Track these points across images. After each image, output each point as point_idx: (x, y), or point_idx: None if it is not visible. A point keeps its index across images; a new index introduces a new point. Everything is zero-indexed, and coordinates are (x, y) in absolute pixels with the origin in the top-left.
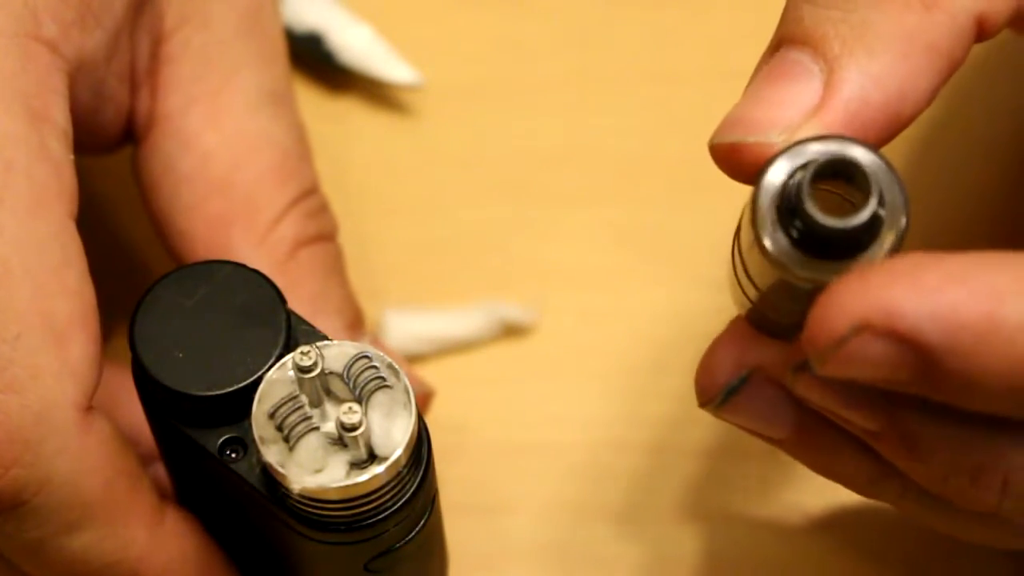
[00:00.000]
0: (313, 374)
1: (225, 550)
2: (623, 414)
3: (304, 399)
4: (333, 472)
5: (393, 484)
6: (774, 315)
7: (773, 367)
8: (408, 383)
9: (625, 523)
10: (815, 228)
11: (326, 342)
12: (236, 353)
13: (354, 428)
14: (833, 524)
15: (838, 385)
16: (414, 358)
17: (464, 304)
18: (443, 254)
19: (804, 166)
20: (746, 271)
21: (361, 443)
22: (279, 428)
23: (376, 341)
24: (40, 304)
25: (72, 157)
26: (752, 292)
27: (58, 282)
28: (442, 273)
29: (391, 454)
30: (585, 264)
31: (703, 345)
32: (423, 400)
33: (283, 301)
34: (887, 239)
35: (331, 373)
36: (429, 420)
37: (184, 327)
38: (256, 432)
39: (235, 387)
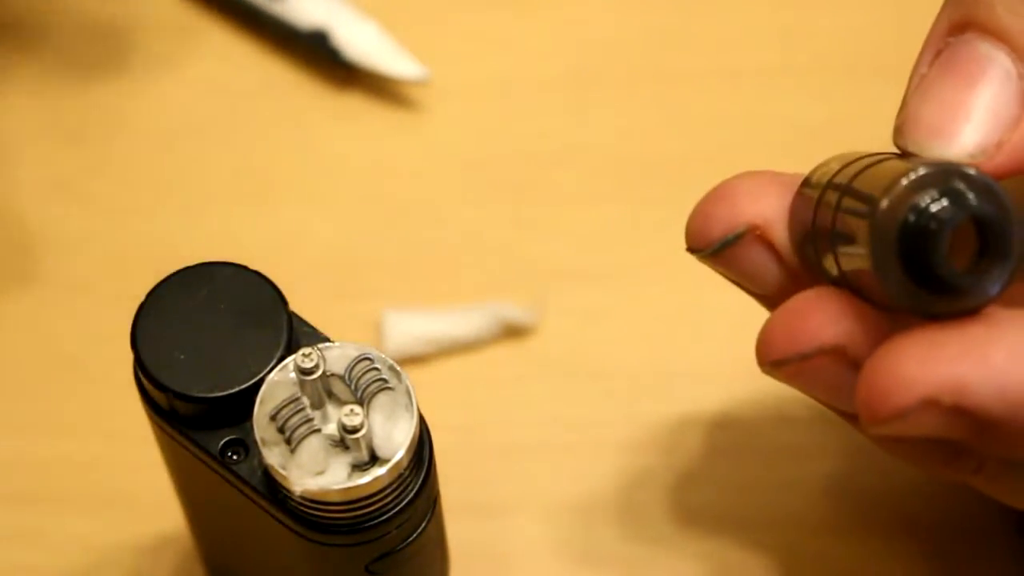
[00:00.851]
0: (315, 376)
1: (226, 551)
2: (624, 414)
3: (306, 401)
4: (335, 474)
5: (395, 486)
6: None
7: (769, 232)
8: (410, 384)
9: (626, 524)
10: (945, 280)
11: (328, 344)
12: (238, 355)
13: (356, 430)
14: (833, 524)
15: (821, 381)
16: (414, 359)
17: (464, 304)
18: (443, 254)
19: (943, 201)
20: (833, 242)
21: (363, 445)
22: (280, 430)
23: None
24: None
25: None
26: (822, 237)
27: None
28: (442, 273)
29: (393, 456)
30: (585, 264)
31: (704, 345)
32: None
33: (284, 302)
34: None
35: (333, 375)
36: (430, 421)
37: (186, 328)
38: (257, 434)
39: (237, 389)
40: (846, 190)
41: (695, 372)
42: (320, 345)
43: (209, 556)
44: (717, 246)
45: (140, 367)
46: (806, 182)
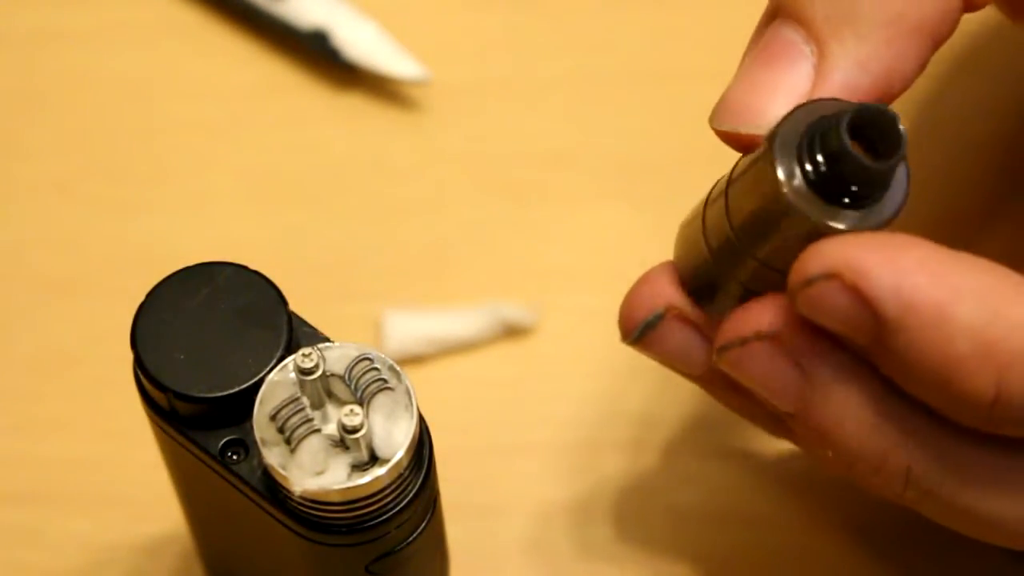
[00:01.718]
0: (315, 376)
1: (226, 551)
2: (624, 415)
3: (305, 401)
4: (334, 474)
5: (395, 486)
6: (720, 271)
7: (686, 310)
8: (410, 385)
9: (625, 524)
10: (847, 166)
11: (327, 344)
12: (238, 355)
13: (355, 430)
14: (829, 524)
15: (757, 368)
16: (414, 359)
17: (465, 304)
18: (444, 254)
19: (830, 117)
20: (728, 218)
21: (363, 445)
22: (280, 430)
23: None
24: None
25: None
26: (717, 241)
27: None
28: (442, 273)
29: (393, 456)
30: (586, 264)
31: None
32: None
33: (284, 303)
34: (889, 205)
35: (332, 375)
36: (430, 421)
37: (185, 328)
38: (257, 434)
39: (236, 389)
40: (729, 183)
41: None
42: (320, 345)
43: (209, 556)
44: (639, 330)
45: (140, 367)
46: (682, 226)
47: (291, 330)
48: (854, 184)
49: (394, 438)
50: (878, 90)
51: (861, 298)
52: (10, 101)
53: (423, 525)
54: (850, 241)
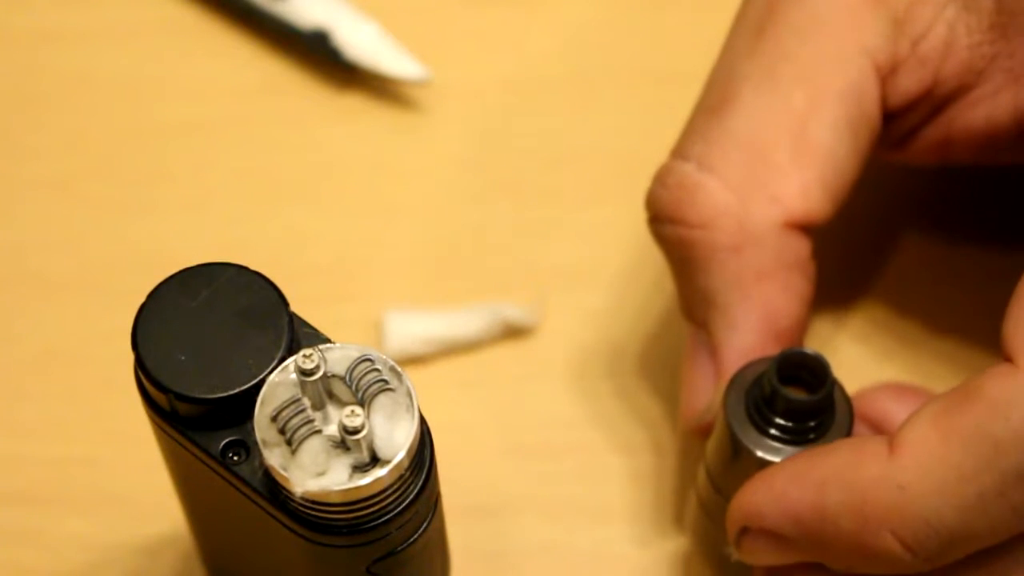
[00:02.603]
0: (315, 377)
1: (226, 552)
2: (625, 415)
3: (306, 402)
4: (335, 475)
5: (395, 487)
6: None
7: None
8: (411, 385)
9: (627, 524)
10: (780, 405)
11: (328, 345)
12: (239, 356)
13: (356, 431)
14: None
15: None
16: (415, 359)
17: (465, 305)
18: (444, 254)
19: (766, 368)
20: (707, 470)
21: (363, 446)
22: (281, 431)
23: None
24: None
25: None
26: (706, 495)
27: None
28: (443, 273)
29: (393, 457)
30: (586, 264)
31: None
32: None
33: (285, 303)
34: (836, 436)
35: (333, 376)
36: (431, 422)
37: (187, 329)
38: (258, 435)
39: (237, 390)
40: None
41: None
42: (321, 346)
43: (209, 557)
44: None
45: (141, 368)
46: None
47: (292, 331)
48: (793, 420)
49: (395, 439)
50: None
51: (771, 535)
52: (10, 101)
53: (424, 526)
54: (745, 490)
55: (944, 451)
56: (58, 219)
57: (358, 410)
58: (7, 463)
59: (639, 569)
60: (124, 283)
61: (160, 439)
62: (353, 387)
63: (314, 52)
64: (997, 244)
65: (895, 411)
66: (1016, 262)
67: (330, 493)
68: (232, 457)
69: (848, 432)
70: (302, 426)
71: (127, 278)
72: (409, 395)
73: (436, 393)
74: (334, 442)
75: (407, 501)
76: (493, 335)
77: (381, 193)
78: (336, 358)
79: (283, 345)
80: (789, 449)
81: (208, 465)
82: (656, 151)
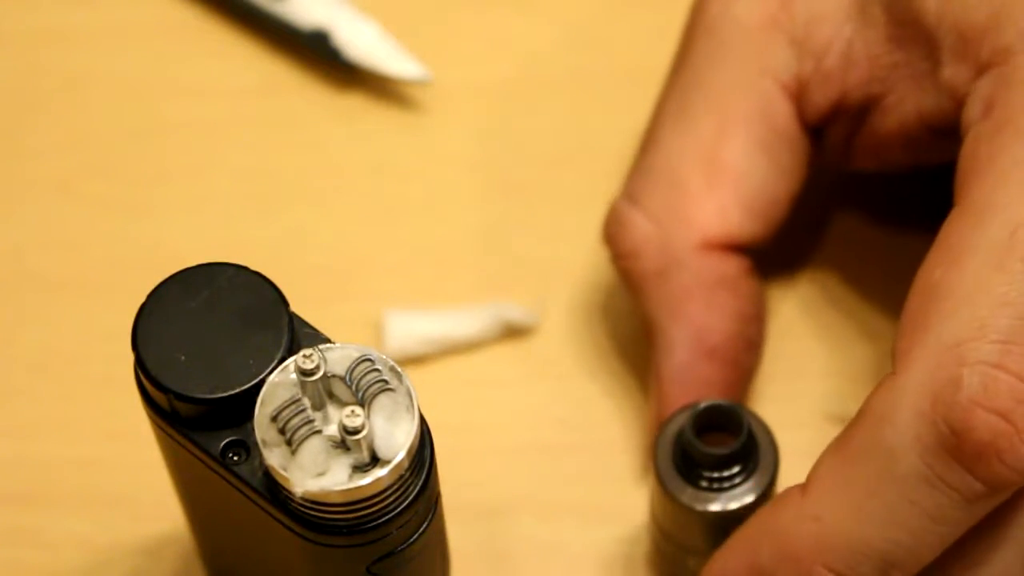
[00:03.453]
0: (315, 377)
1: (226, 552)
2: (624, 415)
3: (306, 402)
4: (335, 475)
5: (396, 487)
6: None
7: None
8: (411, 385)
9: (627, 524)
10: (696, 454)
11: (328, 345)
12: (239, 356)
13: (357, 431)
14: None
15: None
16: (415, 359)
17: (465, 305)
18: (444, 254)
19: (685, 421)
20: (652, 514)
21: (364, 446)
22: (281, 431)
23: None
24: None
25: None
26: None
27: None
28: (443, 273)
29: (394, 457)
30: (586, 264)
31: None
32: None
33: (285, 304)
34: (761, 480)
35: (333, 376)
36: (431, 422)
37: (187, 329)
38: (258, 435)
39: (237, 390)
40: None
41: None
42: (321, 346)
43: (210, 557)
44: None
45: (141, 368)
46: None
47: (292, 331)
48: (715, 470)
49: (395, 439)
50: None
51: None
52: (10, 101)
53: (424, 526)
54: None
55: (846, 471)
56: (58, 219)
57: (358, 410)
58: (7, 463)
59: (638, 569)
60: (124, 283)
61: (160, 439)
62: (353, 387)
63: (314, 52)
64: None
65: None
66: None
67: (330, 493)
68: (232, 457)
69: (775, 472)
70: (302, 426)
71: (127, 278)
72: (409, 395)
73: (436, 393)
74: (334, 442)
75: (407, 501)
76: (493, 335)
77: (381, 193)
78: (336, 358)
79: (283, 345)
80: (716, 496)
81: (208, 465)
82: None
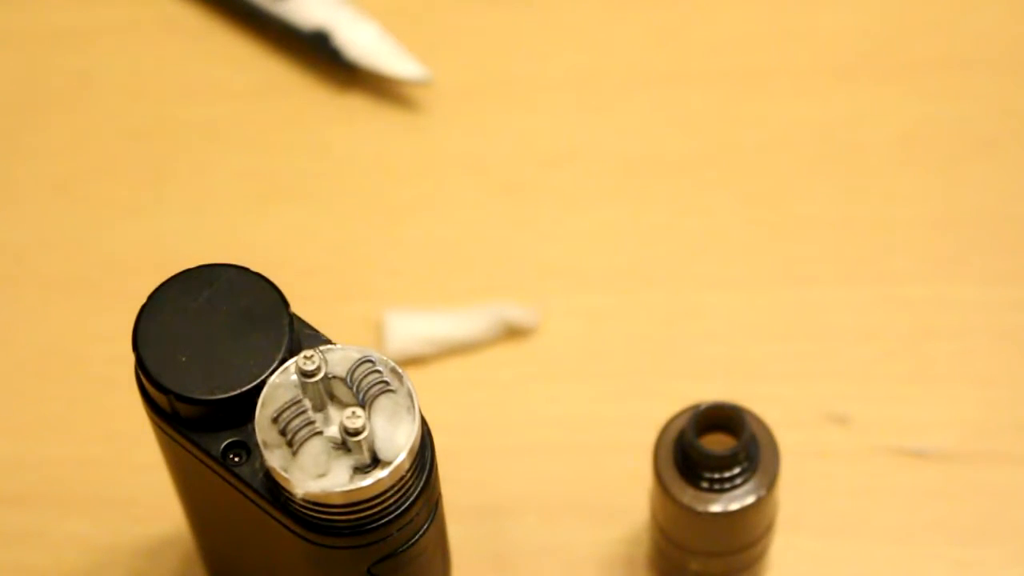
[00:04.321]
0: (316, 378)
1: (227, 553)
2: (625, 415)
3: (307, 403)
4: (336, 477)
5: (396, 488)
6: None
7: None
8: (411, 387)
9: (628, 524)
10: (696, 455)
11: (329, 346)
12: (239, 357)
13: (357, 432)
14: (837, 526)
15: None
16: (416, 359)
17: (466, 305)
18: (444, 254)
19: (681, 430)
20: (652, 514)
21: (364, 447)
22: (282, 432)
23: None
24: None
25: None
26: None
27: None
28: (443, 274)
29: (394, 458)
30: (586, 265)
31: (703, 345)
32: None
33: (286, 304)
34: (762, 481)
35: (334, 377)
36: (432, 422)
37: (187, 330)
38: (259, 436)
39: (238, 391)
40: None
41: (695, 372)
42: (322, 347)
43: (210, 558)
44: None
45: (141, 369)
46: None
47: (292, 332)
48: (715, 471)
49: (396, 440)
50: None
51: None
52: (11, 101)
53: (425, 527)
54: None
55: None
56: (58, 219)
57: (359, 411)
58: (7, 463)
59: (638, 570)
60: (124, 283)
61: (160, 440)
62: (354, 388)
63: (315, 52)
64: None
65: None
66: None
67: (331, 495)
68: (233, 458)
69: (776, 473)
70: (303, 427)
71: (127, 278)
72: (410, 396)
73: (437, 393)
74: (335, 443)
75: (408, 502)
76: (494, 335)
77: (381, 193)
78: (337, 359)
79: (284, 346)
80: (717, 497)
81: (209, 466)
82: (656, 151)
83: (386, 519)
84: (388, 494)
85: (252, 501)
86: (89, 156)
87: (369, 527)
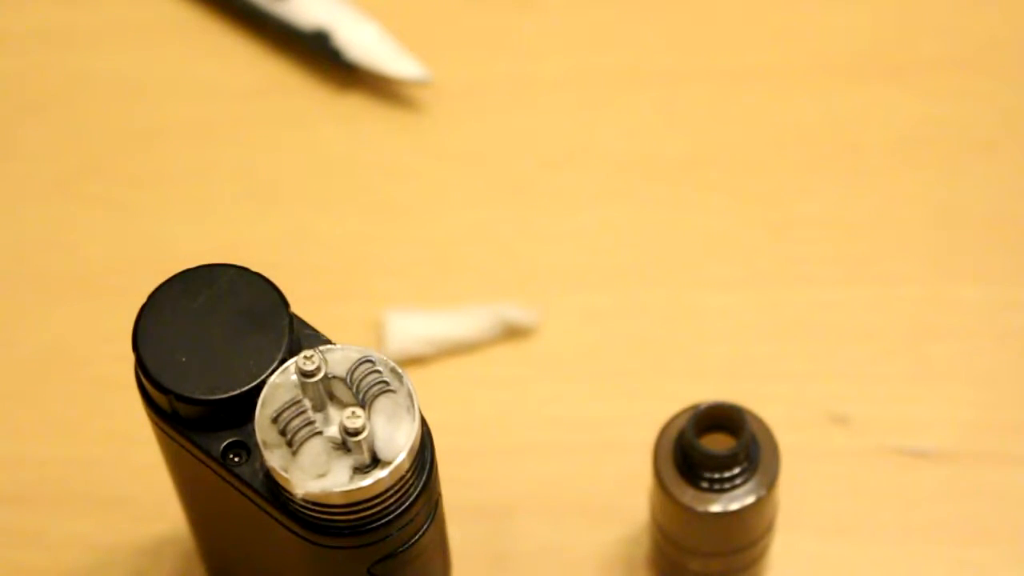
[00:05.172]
0: (316, 378)
1: (227, 553)
2: (625, 415)
3: (307, 403)
4: (336, 477)
5: (396, 488)
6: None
7: None
8: (411, 387)
9: (628, 524)
10: (696, 455)
11: (329, 346)
12: (239, 357)
13: (357, 432)
14: (835, 525)
15: None
16: (416, 359)
17: (466, 305)
18: (445, 254)
19: (681, 430)
20: (651, 513)
21: (364, 447)
22: (282, 432)
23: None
24: None
25: None
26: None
27: None
28: (444, 274)
29: (394, 458)
30: (586, 264)
31: (703, 345)
32: None
33: (286, 304)
34: (762, 481)
35: (334, 377)
36: (432, 422)
37: (187, 330)
38: (259, 436)
39: (238, 391)
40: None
41: (695, 372)
42: (322, 347)
43: (210, 558)
44: None
45: (141, 369)
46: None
47: (292, 332)
48: (715, 470)
49: (396, 440)
50: None
51: None
52: (10, 101)
53: (425, 527)
54: None
55: None
56: (58, 219)
57: (359, 411)
58: (7, 463)
59: (638, 570)
60: (124, 283)
61: (160, 440)
62: (354, 388)
63: (315, 52)
64: None
65: None
66: None
67: (331, 495)
68: (233, 458)
69: (776, 473)
70: (303, 427)
71: (127, 278)
72: (410, 396)
73: (437, 393)
74: (335, 443)
75: (408, 502)
76: (494, 336)
77: (381, 193)
78: (337, 359)
79: (284, 346)
80: (717, 497)
81: (209, 466)
82: (657, 151)
83: (386, 519)
84: (388, 494)
85: (252, 501)
86: (89, 156)
87: (369, 527)
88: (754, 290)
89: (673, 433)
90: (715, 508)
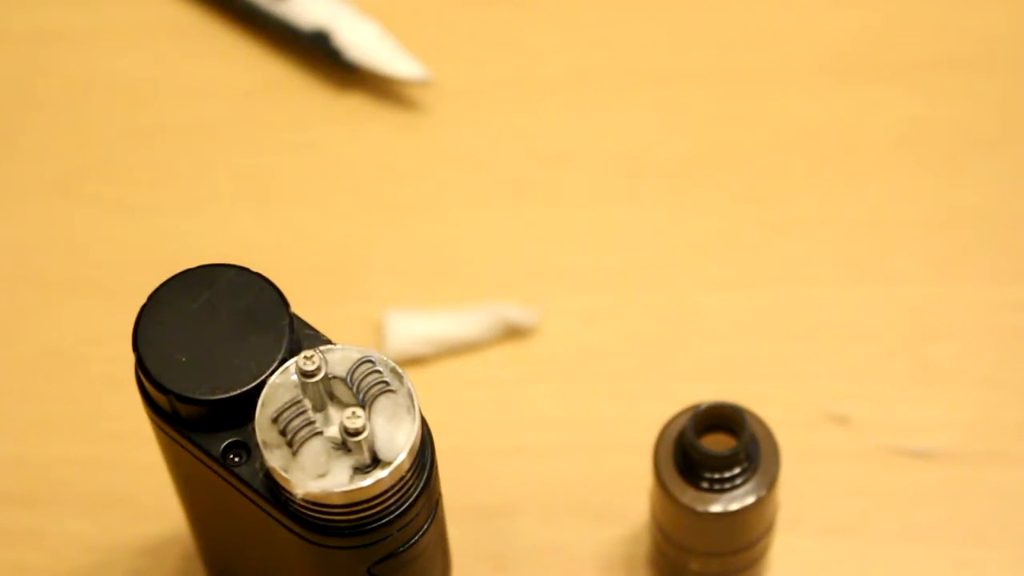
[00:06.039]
0: (316, 378)
1: (227, 553)
2: (624, 415)
3: (307, 403)
4: (336, 477)
5: (397, 488)
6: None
7: None
8: (411, 387)
9: (628, 524)
10: (695, 455)
11: (329, 346)
12: (239, 357)
13: (358, 433)
14: (835, 524)
15: None
16: (416, 360)
17: (466, 305)
18: (444, 255)
19: (681, 430)
20: (651, 513)
21: (365, 448)
22: (282, 433)
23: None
24: None
25: None
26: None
27: None
28: (444, 274)
29: (395, 458)
30: (586, 264)
31: (703, 345)
32: None
33: (286, 305)
34: (762, 481)
35: (334, 377)
36: (432, 422)
37: (187, 331)
38: (259, 436)
39: (238, 391)
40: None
41: (695, 372)
42: (322, 347)
43: (210, 558)
44: None
45: (142, 369)
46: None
47: (293, 332)
48: (715, 471)
49: (396, 441)
50: None
51: None
52: (10, 101)
53: (425, 527)
54: None
55: None
56: (58, 219)
57: (359, 412)
58: (7, 463)
59: (639, 570)
60: (124, 283)
61: (160, 440)
62: (354, 389)
63: (315, 52)
64: None
65: None
66: None
67: (331, 495)
68: (233, 458)
69: (776, 473)
70: (303, 428)
71: (127, 278)
72: (410, 396)
73: (437, 393)
74: (335, 444)
75: (408, 502)
76: (493, 336)
77: (381, 193)
78: (337, 359)
79: (284, 346)
80: (717, 497)
81: (209, 466)
82: (656, 151)
83: (386, 519)
84: (388, 494)
85: (252, 501)
86: (89, 156)
87: (369, 527)
88: (754, 290)
89: (673, 433)
90: (715, 508)
